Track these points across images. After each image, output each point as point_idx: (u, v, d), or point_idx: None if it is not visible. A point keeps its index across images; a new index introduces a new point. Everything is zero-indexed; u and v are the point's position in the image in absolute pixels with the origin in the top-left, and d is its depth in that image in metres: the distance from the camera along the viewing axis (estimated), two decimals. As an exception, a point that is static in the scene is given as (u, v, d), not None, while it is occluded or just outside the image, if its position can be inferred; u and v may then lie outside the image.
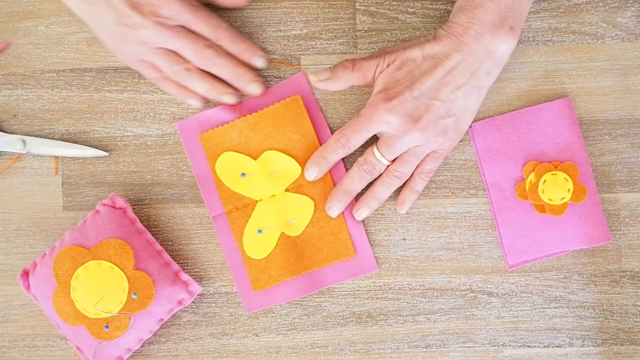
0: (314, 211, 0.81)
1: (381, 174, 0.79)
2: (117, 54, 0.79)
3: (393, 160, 0.78)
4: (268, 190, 0.81)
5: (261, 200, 0.81)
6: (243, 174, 0.81)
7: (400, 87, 0.75)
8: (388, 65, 0.77)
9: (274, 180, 0.81)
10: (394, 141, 0.76)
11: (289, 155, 0.81)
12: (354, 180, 0.79)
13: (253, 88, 0.79)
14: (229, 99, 0.80)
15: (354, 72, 0.77)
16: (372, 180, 0.79)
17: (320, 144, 0.81)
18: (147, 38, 0.76)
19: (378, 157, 0.77)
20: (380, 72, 0.77)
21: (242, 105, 0.82)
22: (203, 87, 0.78)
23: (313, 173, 0.79)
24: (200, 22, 0.77)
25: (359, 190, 0.79)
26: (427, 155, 0.78)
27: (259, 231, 0.81)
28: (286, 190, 0.81)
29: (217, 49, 0.78)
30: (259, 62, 0.79)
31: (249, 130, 0.81)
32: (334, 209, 0.80)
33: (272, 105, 0.81)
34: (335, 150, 0.79)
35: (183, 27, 0.77)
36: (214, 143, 0.81)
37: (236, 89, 0.80)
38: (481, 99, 0.77)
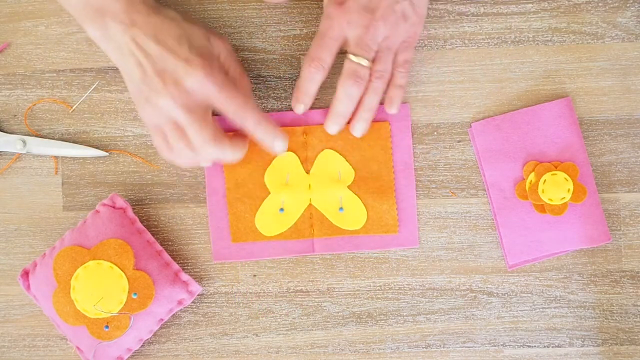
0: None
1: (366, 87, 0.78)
2: (137, 108, 0.75)
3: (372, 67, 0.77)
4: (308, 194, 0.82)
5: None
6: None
7: None
8: None
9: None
10: (361, 38, 0.76)
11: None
12: (344, 101, 0.77)
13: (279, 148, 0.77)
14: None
15: None
16: (360, 94, 0.77)
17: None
18: (164, 107, 0.72)
19: (356, 60, 0.76)
20: None
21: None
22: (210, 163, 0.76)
23: (299, 109, 0.79)
24: (224, 100, 0.72)
25: (352, 110, 0.78)
26: (398, 47, 0.78)
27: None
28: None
29: (222, 141, 0.74)
30: (280, 146, 0.76)
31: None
32: (331, 132, 0.79)
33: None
34: (312, 76, 0.77)
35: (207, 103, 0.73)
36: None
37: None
38: None
